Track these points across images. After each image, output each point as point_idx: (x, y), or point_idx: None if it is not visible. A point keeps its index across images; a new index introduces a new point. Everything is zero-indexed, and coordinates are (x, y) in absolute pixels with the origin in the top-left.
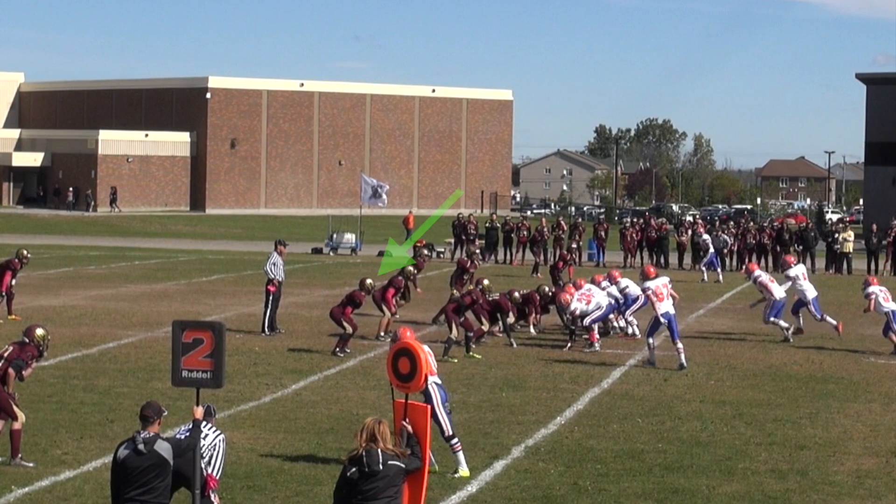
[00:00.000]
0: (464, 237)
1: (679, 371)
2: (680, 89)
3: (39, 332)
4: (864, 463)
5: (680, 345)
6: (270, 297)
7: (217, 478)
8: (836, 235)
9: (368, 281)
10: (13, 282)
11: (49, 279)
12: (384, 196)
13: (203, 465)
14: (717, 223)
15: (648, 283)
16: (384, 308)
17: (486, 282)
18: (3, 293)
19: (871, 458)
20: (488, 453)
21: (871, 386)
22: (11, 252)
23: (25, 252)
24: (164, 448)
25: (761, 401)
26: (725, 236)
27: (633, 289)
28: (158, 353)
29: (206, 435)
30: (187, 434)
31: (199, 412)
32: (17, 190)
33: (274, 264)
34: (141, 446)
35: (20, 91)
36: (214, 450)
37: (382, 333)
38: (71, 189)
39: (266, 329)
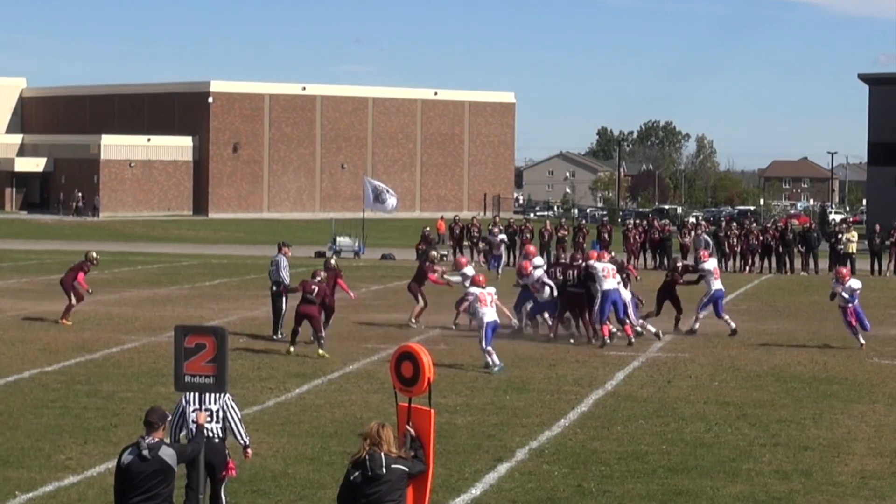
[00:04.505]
0: (467, 241)
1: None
2: (682, 91)
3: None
4: (868, 464)
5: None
6: (283, 300)
7: (244, 437)
8: (840, 236)
9: (433, 253)
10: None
11: (53, 284)
12: (392, 201)
13: (218, 428)
14: (700, 221)
15: (596, 264)
16: (420, 297)
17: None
18: (70, 293)
19: (876, 459)
20: (492, 456)
21: (875, 387)
22: (16, 258)
23: (94, 254)
24: (168, 454)
25: (765, 402)
26: (706, 236)
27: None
28: (162, 357)
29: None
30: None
31: (202, 417)
32: (20, 195)
33: (285, 268)
34: (145, 452)
35: (22, 96)
36: (226, 410)
37: (414, 320)
38: (81, 194)
39: (280, 332)
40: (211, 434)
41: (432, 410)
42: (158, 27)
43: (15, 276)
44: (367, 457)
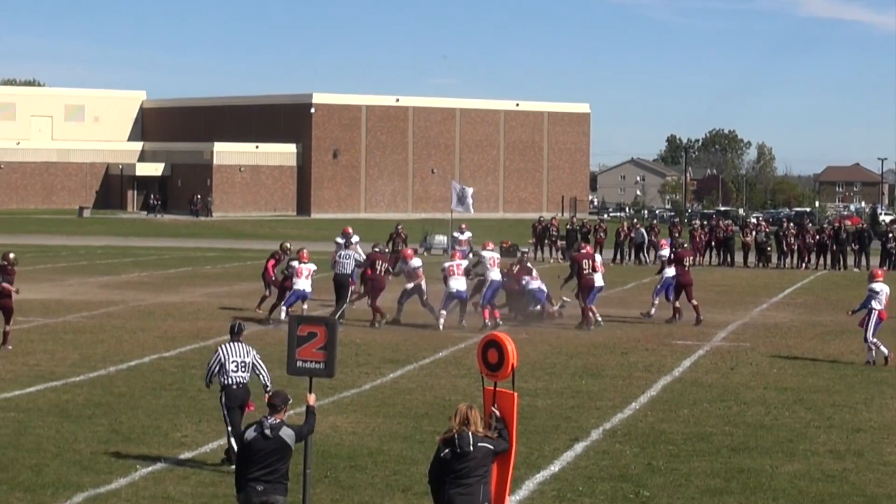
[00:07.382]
0: (546, 239)
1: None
2: (744, 101)
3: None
4: None
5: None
6: (349, 291)
7: (269, 382)
8: (891, 235)
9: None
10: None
11: (169, 278)
12: (469, 200)
13: (245, 376)
14: (760, 222)
15: (483, 253)
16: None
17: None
18: (269, 283)
19: None
20: (569, 436)
21: None
22: (137, 254)
23: (288, 245)
24: (288, 434)
25: (820, 387)
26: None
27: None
28: (269, 344)
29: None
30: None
31: (311, 399)
32: (141, 197)
33: (357, 260)
34: (268, 431)
35: (143, 108)
36: (255, 363)
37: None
38: (199, 197)
39: (343, 318)
40: (240, 380)
41: (515, 394)
42: (265, 44)
43: (136, 271)
44: (456, 435)
